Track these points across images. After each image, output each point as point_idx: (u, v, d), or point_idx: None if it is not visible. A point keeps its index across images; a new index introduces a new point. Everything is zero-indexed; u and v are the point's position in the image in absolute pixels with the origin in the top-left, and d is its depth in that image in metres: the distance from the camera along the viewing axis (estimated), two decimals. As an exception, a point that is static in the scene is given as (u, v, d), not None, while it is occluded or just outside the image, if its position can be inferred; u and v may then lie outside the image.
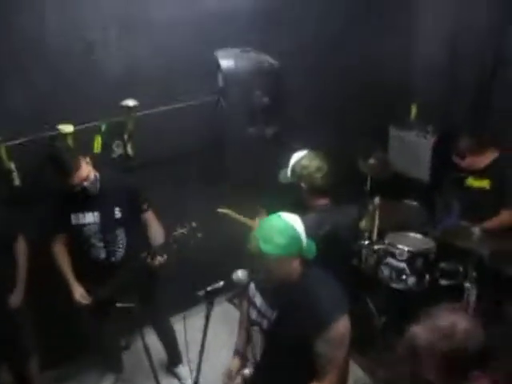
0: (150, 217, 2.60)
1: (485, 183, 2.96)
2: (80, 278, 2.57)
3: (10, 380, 2.81)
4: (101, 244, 2.52)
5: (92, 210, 2.46)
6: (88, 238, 2.50)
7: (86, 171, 2.34)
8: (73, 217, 2.47)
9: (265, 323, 1.71)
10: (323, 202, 2.19)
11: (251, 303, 1.78)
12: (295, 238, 1.58)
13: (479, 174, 2.99)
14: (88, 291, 2.54)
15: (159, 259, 2.38)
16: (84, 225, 2.48)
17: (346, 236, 2.24)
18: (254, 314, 1.76)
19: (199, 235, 2.16)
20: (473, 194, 3.05)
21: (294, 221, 1.61)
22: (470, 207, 3.05)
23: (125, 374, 3.18)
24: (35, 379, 2.90)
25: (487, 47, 3.37)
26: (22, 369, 2.81)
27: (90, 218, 2.47)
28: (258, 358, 1.79)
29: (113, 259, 2.55)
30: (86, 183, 2.34)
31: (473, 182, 3.06)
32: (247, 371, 1.82)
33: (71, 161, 2.29)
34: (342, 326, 1.59)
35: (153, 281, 2.68)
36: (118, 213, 2.50)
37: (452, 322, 1.24)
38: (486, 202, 2.94)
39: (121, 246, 2.56)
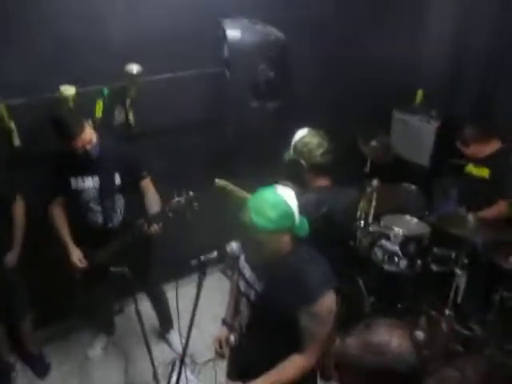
0: (147, 184, 2.60)
1: (484, 172, 2.97)
2: (76, 241, 2.59)
3: (3, 338, 2.87)
4: (99, 209, 2.53)
5: (92, 174, 2.46)
6: (86, 202, 2.51)
7: (89, 135, 2.33)
8: (72, 181, 2.47)
9: (252, 294, 1.72)
10: (323, 182, 2.18)
11: (240, 274, 1.79)
12: (287, 213, 1.55)
13: (480, 162, 2.99)
14: (84, 255, 2.57)
15: (155, 227, 2.40)
16: (83, 189, 2.48)
17: (342, 219, 2.23)
18: (242, 286, 1.77)
19: (195, 205, 2.17)
20: (471, 181, 3.06)
21: (287, 195, 1.59)
22: (468, 194, 3.06)
23: (116, 337, 3.26)
24: (29, 338, 2.97)
25: (496, 36, 3.32)
26: (16, 328, 2.87)
27: (90, 182, 2.47)
28: (244, 328, 1.82)
29: (110, 225, 2.57)
30: (88, 147, 2.33)
31: (472, 169, 3.06)
32: (232, 338, 1.86)
33: (76, 124, 2.27)
34: (328, 300, 1.60)
35: (147, 247, 2.71)
36: (117, 179, 2.50)
37: (387, 339, 1.18)
38: (483, 190, 2.95)
39: (118, 211, 2.57)
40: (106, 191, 2.50)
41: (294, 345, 1.66)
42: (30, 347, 3.00)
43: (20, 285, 2.72)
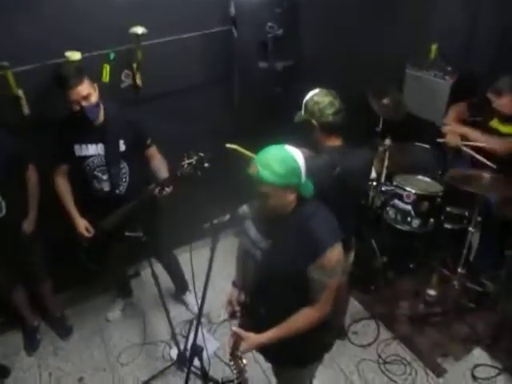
0: (153, 152, 2.59)
1: None
2: (84, 209, 2.60)
3: (27, 302, 2.98)
4: (105, 177, 2.51)
5: (96, 141, 2.44)
6: (92, 170, 2.49)
7: (87, 90, 2.27)
8: (76, 148, 2.44)
9: (258, 254, 1.74)
10: (335, 142, 2.15)
11: (246, 235, 1.81)
12: (294, 169, 1.56)
13: (509, 118, 2.84)
14: (93, 222, 2.58)
15: (166, 190, 2.40)
16: (87, 156, 2.46)
17: (356, 180, 2.22)
18: (248, 246, 1.79)
19: (206, 165, 2.15)
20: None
21: (296, 154, 1.59)
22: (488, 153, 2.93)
23: (134, 300, 3.35)
24: (51, 301, 3.08)
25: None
26: (39, 292, 2.97)
27: (94, 149, 2.45)
28: (253, 287, 1.84)
29: (117, 191, 2.56)
30: (84, 103, 2.28)
31: (498, 125, 2.91)
32: (243, 297, 1.91)
33: (74, 75, 2.23)
34: (336, 252, 1.62)
35: (158, 212, 2.73)
36: (122, 146, 2.48)
37: None
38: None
39: (124, 179, 2.56)
40: (111, 158, 2.48)
41: (302, 300, 1.69)
42: (52, 310, 3.11)
43: (39, 249, 2.79)
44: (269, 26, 2.53)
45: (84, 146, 2.44)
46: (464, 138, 2.99)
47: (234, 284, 2.04)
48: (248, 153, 2.50)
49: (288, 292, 1.71)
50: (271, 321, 1.75)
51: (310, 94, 2.15)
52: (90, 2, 2.51)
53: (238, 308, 1.96)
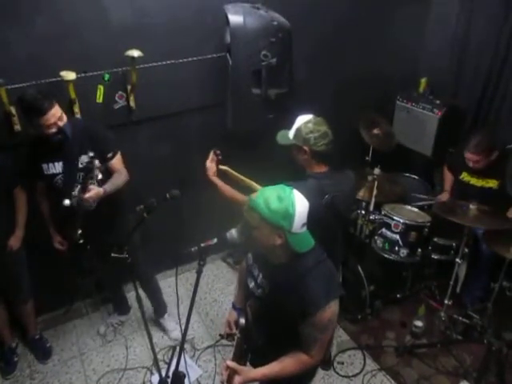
0: (114, 164, 2.52)
1: (491, 183, 2.94)
2: (59, 224, 2.65)
3: (6, 323, 2.90)
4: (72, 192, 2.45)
5: (59, 160, 2.43)
6: (59, 186, 2.48)
7: (60, 110, 2.29)
8: (44, 167, 2.45)
9: (259, 292, 1.75)
10: (323, 169, 2.17)
11: (249, 271, 1.82)
12: (286, 212, 1.52)
13: (483, 173, 2.95)
14: (65, 238, 2.63)
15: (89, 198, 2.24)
16: (55, 174, 2.46)
17: (346, 202, 2.24)
18: (251, 283, 1.80)
19: (169, 199, 2.04)
20: (478, 191, 2.99)
21: (299, 203, 1.55)
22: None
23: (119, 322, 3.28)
24: (31, 322, 2.99)
25: (501, 26, 3.27)
26: (18, 312, 2.90)
27: (59, 167, 2.45)
28: (253, 316, 1.84)
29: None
30: (60, 123, 2.29)
31: (470, 178, 3.04)
32: (242, 320, 1.88)
33: (44, 99, 2.20)
34: (328, 312, 1.59)
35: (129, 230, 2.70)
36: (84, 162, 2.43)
37: None
38: (492, 200, 2.86)
39: None
40: (73, 175, 2.44)
41: (298, 342, 1.68)
42: (31, 331, 3.03)
43: (24, 267, 2.75)
44: (263, 54, 2.57)
45: (51, 164, 2.44)
46: None
47: (234, 306, 2.05)
48: (239, 175, 2.50)
49: (285, 329, 1.69)
50: (267, 352, 1.75)
51: (304, 119, 2.14)
52: (88, 24, 2.55)
53: (235, 331, 1.94)
